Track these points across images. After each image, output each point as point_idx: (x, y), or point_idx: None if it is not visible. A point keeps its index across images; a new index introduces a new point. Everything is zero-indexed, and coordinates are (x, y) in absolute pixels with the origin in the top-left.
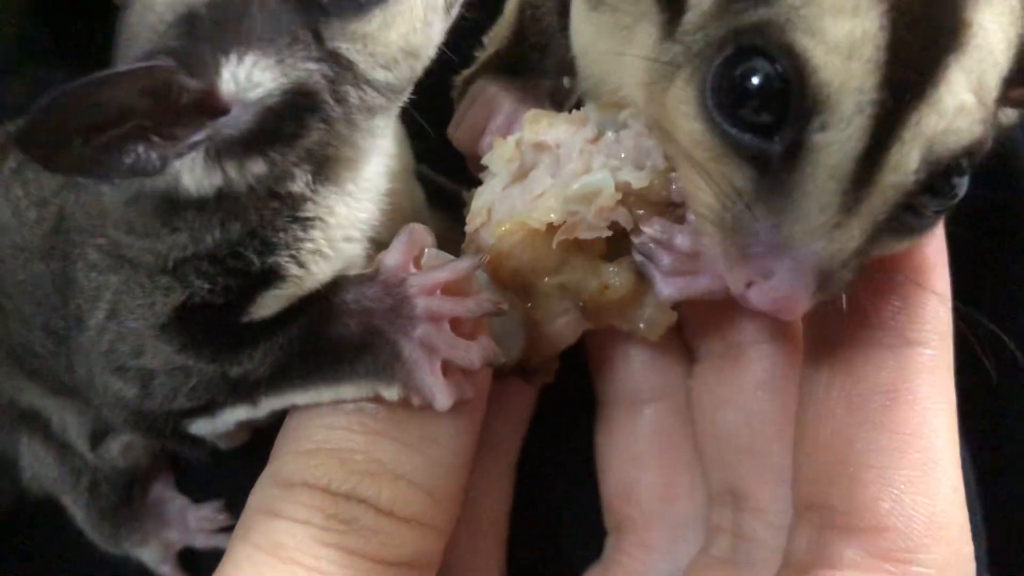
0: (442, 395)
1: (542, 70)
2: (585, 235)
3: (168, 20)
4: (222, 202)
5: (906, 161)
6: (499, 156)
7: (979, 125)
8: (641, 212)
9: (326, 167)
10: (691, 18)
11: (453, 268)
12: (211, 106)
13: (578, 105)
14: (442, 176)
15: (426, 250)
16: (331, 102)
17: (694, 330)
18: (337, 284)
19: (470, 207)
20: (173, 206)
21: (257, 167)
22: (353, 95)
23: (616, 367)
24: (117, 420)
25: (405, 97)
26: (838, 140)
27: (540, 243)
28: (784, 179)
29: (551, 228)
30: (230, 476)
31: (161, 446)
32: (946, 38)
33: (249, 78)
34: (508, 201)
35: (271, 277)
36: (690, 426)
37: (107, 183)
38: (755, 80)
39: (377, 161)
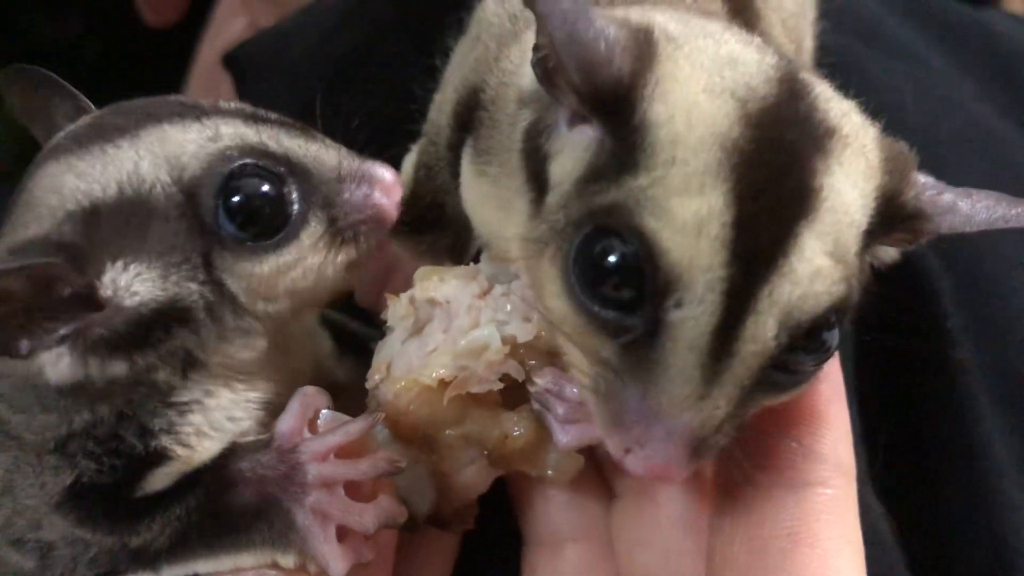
0: (336, 561)
1: (440, 226)
2: (477, 389)
3: (69, 208)
4: (85, 388)
5: (762, 331)
6: (395, 313)
7: (838, 285)
8: (533, 363)
9: (196, 363)
10: (553, 198)
11: (345, 431)
12: (87, 301)
13: (477, 254)
14: (356, 322)
15: (321, 412)
16: (205, 321)
17: (611, 468)
18: (232, 452)
19: (372, 362)
20: (36, 385)
21: (118, 368)
22: (229, 319)
23: (535, 507)
24: None
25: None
26: (693, 317)
27: (435, 398)
28: (648, 352)
29: (443, 383)
30: None
31: None
32: (794, 207)
33: (128, 286)
34: (405, 356)
35: (156, 457)
36: (613, 563)
37: None
38: (611, 259)
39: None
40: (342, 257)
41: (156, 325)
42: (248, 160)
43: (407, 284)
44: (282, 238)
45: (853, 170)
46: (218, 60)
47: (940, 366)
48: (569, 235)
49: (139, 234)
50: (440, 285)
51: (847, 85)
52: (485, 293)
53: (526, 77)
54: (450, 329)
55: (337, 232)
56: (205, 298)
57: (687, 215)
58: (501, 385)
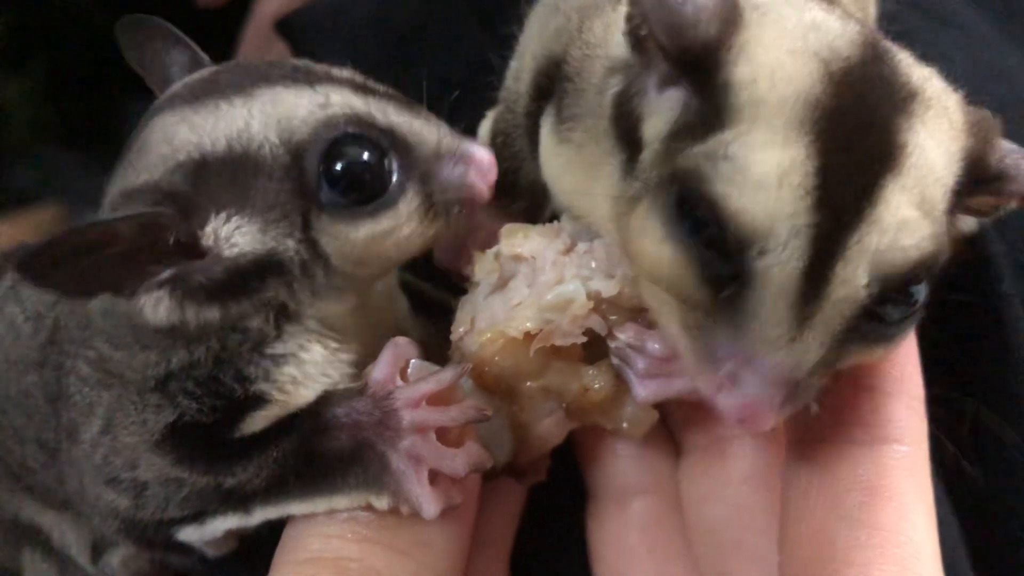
0: (429, 504)
1: (516, 192)
2: (561, 342)
3: (180, 159)
4: (180, 330)
5: (853, 277)
6: (480, 268)
7: (927, 240)
8: (614, 318)
9: (291, 314)
10: (646, 156)
11: (437, 379)
12: (190, 248)
13: (551, 219)
14: (427, 284)
15: (411, 362)
16: (298, 275)
17: (679, 424)
18: (327, 399)
19: (456, 316)
20: (136, 324)
21: (211, 313)
22: (320, 276)
23: (604, 461)
24: (108, 530)
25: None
26: (777, 263)
27: (520, 350)
28: (741, 297)
29: (528, 336)
30: None
31: (150, 555)
32: (878, 161)
33: (229, 237)
34: (489, 310)
35: (254, 401)
36: (680, 517)
37: (82, 299)
38: (700, 212)
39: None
40: (432, 230)
41: (252, 276)
42: (353, 129)
43: (485, 243)
44: (379, 206)
45: (937, 130)
46: (265, 33)
47: (995, 328)
48: (664, 188)
49: (243, 189)
50: (525, 241)
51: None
52: (569, 250)
53: (615, 47)
54: (535, 284)
55: (431, 206)
56: (300, 255)
57: (769, 167)
58: (584, 339)
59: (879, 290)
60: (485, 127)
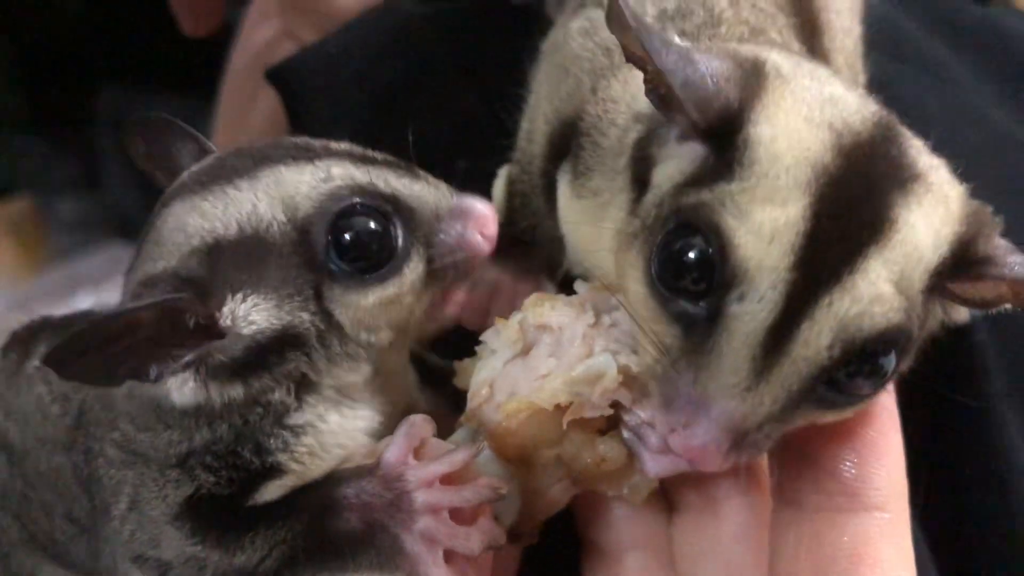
0: None
1: (534, 249)
2: (589, 414)
3: (195, 244)
4: (204, 409)
5: (816, 338)
6: (503, 335)
7: (897, 313)
8: (634, 392)
9: (310, 385)
10: (651, 197)
11: (451, 460)
12: (209, 330)
13: (566, 275)
14: (428, 352)
15: (427, 440)
16: (316, 346)
17: (672, 483)
18: (337, 477)
19: (470, 382)
20: (161, 406)
21: (235, 391)
22: (336, 346)
23: (600, 518)
24: None
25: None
26: (752, 311)
27: (546, 420)
28: (705, 341)
29: (557, 408)
30: None
31: None
32: (868, 231)
33: (247, 316)
34: (510, 378)
35: (272, 471)
36: (673, 573)
37: (108, 387)
38: (689, 253)
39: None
40: (437, 291)
41: (271, 350)
42: (357, 199)
43: (507, 306)
44: (386, 272)
45: (931, 213)
46: (251, 64)
47: (963, 368)
48: (657, 228)
49: (257, 268)
50: (552, 312)
51: (877, 100)
52: (596, 323)
53: (640, 100)
54: (561, 355)
55: (435, 268)
56: (316, 326)
57: (765, 220)
58: (611, 411)
59: (841, 354)
60: (499, 186)
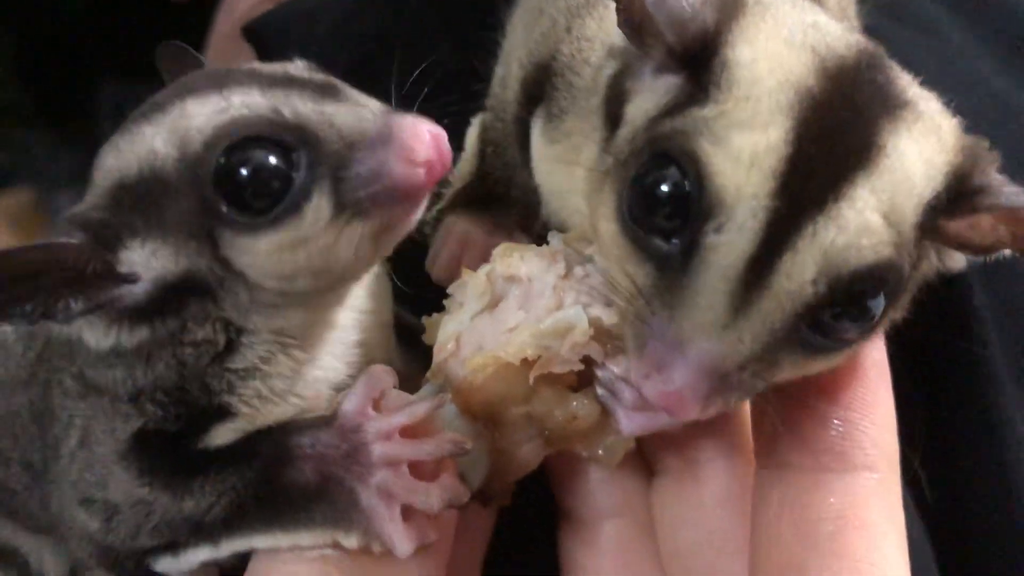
0: (402, 543)
1: (508, 200)
2: (558, 369)
3: (105, 185)
4: (121, 348)
5: (799, 270)
6: (470, 287)
7: (887, 247)
8: (607, 347)
9: (240, 327)
10: (623, 132)
11: (411, 412)
12: (109, 275)
13: (543, 229)
14: (399, 306)
15: (387, 391)
16: (220, 293)
17: (651, 446)
18: (293, 426)
19: (437, 337)
20: (81, 345)
21: (142, 334)
22: (243, 292)
23: (576, 484)
24: (84, 555)
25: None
26: (729, 242)
27: (512, 376)
28: (680, 278)
29: (525, 362)
30: None
31: None
32: (854, 157)
33: (145, 262)
34: (477, 332)
35: (221, 412)
36: (653, 540)
37: (17, 325)
38: (662, 187)
39: (341, 318)
40: (358, 233)
41: (175, 295)
42: (250, 132)
43: (479, 261)
44: (281, 213)
45: (922, 141)
46: (235, 30)
47: (962, 343)
48: (630, 163)
49: (155, 211)
50: (521, 263)
51: None
52: (567, 274)
53: (614, 35)
54: (530, 308)
55: (347, 206)
56: (215, 273)
57: (744, 145)
58: (581, 367)
59: (826, 291)
60: (472, 135)
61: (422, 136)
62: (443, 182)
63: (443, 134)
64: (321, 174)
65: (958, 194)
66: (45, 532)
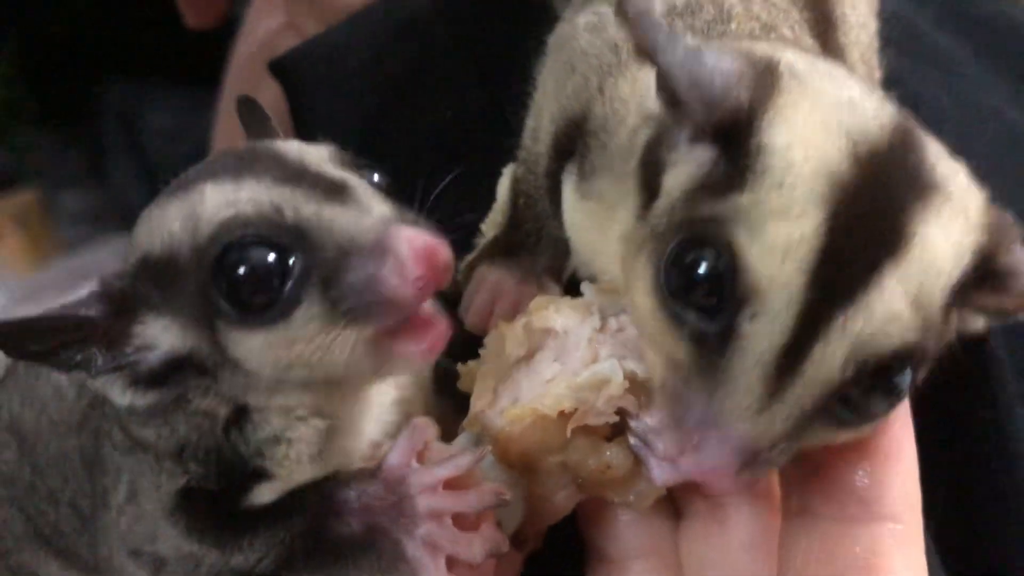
0: None
1: (538, 250)
2: (593, 422)
3: (135, 255)
4: (137, 409)
5: (830, 358)
6: (511, 340)
7: (913, 331)
8: (641, 399)
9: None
10: (661, 204)
11: (455, 465)
12: (124, 341)
13: (572, 278)
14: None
15: (430, 443)
16: (220, 376)
17: (679, 489)
18: (338, 480)
19: (473, 386)
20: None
21: (151, 398)
22: (240, 377)
23: (605, 524)
24: None
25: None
26: (764, 331)
27: (549, 427)
28: (718, 359)
29: (563, 415)
30: None
31: None
32: (884, 247)
33: (156, 337)
34: (513, 383)
35: (258, 473)
36: None
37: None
38: (700, 267)
39: (371, 392)
40: (351, 339)
41: (175, 372)
42: (249, 232)
43: (511, 309)
44: (273, 315)
45: (950, 224)
46: (254, 57)
47: (977, 376)
48: (667, 238)
49: (170, 289)
50: (556, 316)
51: (890, 98)
52: (602, 327)
53: (649, 100)
54: (566, 360)
55: (341, 313)
56: (213, 357)
57: (779, 236)
58: (616, 418)
59: (854, 374)
60: (503, 185)
61: (419, 250)
62: (476, 231)
63: (443, 246)
64: (313, 280)
65: (984, 272)
66: (93, 572)
